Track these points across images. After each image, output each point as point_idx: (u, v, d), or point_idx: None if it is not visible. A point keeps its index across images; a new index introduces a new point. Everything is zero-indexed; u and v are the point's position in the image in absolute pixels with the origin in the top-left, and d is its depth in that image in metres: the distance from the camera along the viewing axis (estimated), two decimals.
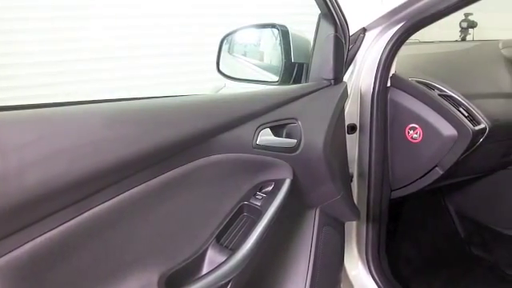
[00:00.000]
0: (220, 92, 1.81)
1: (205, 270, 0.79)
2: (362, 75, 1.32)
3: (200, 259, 0.80)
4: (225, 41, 1.34)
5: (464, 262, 1.99)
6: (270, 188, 0.90)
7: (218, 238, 0.82)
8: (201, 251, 0.80)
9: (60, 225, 0.57)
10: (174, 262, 0.75)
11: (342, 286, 1.39)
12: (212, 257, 0.80)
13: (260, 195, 0.89)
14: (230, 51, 1.37)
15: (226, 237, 0.84)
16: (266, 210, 0.85)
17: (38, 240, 0.55)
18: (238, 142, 0.82)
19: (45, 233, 0.56)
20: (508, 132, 1.46)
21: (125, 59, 3.62)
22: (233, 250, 0.79)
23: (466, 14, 2.75)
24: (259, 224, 0.83)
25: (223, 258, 0.78)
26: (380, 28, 1.26)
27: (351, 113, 1.33)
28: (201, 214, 0.81)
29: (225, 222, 0.84)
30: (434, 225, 2.12)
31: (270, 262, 0.99)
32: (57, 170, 0.55)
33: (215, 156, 0.80)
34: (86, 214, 0.60)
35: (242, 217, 0.88)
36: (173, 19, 3.71)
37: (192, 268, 0.78)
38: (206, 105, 0.80)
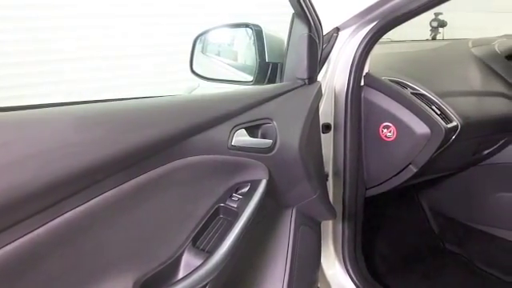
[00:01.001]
0: (194, 92, 1.79)
1: (181, 274, 0.78)
2: (335, 74, 1.32)
3: (176, 263, 0.78)
4: (198, 40, 1.32)
5: (438, 257, 2.02)
6: (246, 189, 0.89)
7: (194, 241, 0.81)
8: (177, 255, 0.78)
9: (29, 232, 0.55)
10: (150, 267, 0.74)
11: (319, 285, 1.40)
12: (188, 260, 0.79)
13: (236, 197, 0.88)
14: (203, 51, 1.35)
15: (202, 239, 0.83)
16: (243, 211, 0.84)
17: (7, 249, 0.53)
18: (212, 144, 0.81)
19: (13, 241, 0.54)
20: (479, 129, 1.49)
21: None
22: (209, 253, 0.78)
23: (436, 14, 2.79)
24: (235, 226, 0.82)
25: (200, 262, 0.77)
26: (353, 27, 1.26)
27: (326, 112, 1.33)
28: (176, 217, 0.80)
29: (201, 225, 0.83)
30: (409, 222, 2.15)
31: (247, 264, 0.98)
32: (25, 175, 0.53)
33: (190, 158, 0.78)
34: (56, 221, 0.58)
35: (218, 219, 0.87)
36: (141, 19, 3.65)
37: (168, 272, 0.77)
38: (180, 106, 0.79)
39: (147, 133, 0.68)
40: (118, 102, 0.70)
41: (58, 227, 0.58)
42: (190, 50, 1.31)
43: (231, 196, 0.88)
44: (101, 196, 0.63)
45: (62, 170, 0.56)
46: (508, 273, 1.81)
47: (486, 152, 1.69)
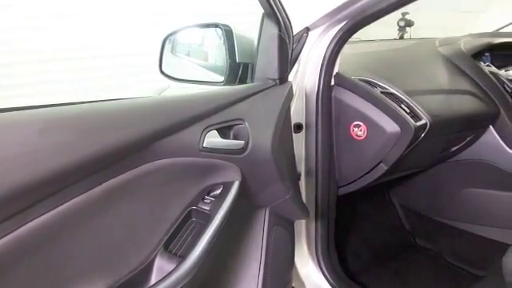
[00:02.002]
0: (163, 94, 1.77)
1: (153, 280, 0.76)
2: (306, 74, 1.32)
3: (148, 269, 0.77)
4: (167, 41, 1.30)
5: (409, 253, 2.05)
6: (218, 191, 0.88)
7: (166, 246, 0.80)
8: (148, 260, 0.77)
9: None
10: (121, 274, 0.72)
11: (293, 284, 1.40)
12: (160, 265, 0.78)
13: (208, 199, 0.87)
14: (172, 51, 1.33)
15: (175, 244, 0.82)
16: (215, 213, 0.83)
17: None
18: (183, 146, 0.79)
19: None
20: (447, 127, 1.51)
21: (61, 61, 3.47)
22: (182, 257, 0.77)
23: (403, 13, 2.84)
24: (208, 229, 0.81)
25: (172, 266, 0.76)
26: (323, 27, 1.27)
27: (297, 112, 1.33)
28: (147, 221, 0.79)
29: (173, 229, 0.82)
30: (380, 219, 2.18)
31: (221, 266, 0.97)
32: None
33: (160, 161, 0.77)
34: (21, 229, 0.56)
35: (190, 222, 0.86)
36: (108, 19, 3.57)
37: (140, 278, 0.75)
38: (149, 107, 0.77)
39: (116, 136, 0.67)
40: (84, 104, 0.68)
41: (24, 236, 0.56)
42: (159, 50, 1.29)
43: (203, 198, 0.87)
44: (67, 203, 0.61)
45: (26, 176, 0.54)
46: (476, 266, 1.85)
47: (453, 149, 1.72)
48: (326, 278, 1.53)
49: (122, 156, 0.69)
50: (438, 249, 2.03)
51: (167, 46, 1.30)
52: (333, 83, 1.36)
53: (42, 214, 0.58)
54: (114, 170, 0.69)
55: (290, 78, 1.26)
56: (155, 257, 0.78)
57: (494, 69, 1.78)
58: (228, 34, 1.16)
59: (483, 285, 1.68)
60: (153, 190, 0.78)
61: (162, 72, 1.27)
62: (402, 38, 2.74)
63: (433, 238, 2.07)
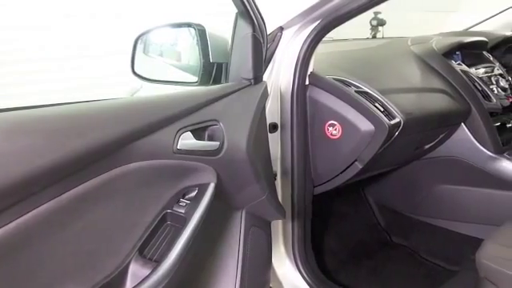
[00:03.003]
0: (136, 95, 1.74)
1: (129, 286, 0.75)
2: (281, 74, 1.32)
3: (122, 274, 0.75)
4: (139, 41, 1.27)
5: (385, 250, 2.07)
6: (193, 194, 0.87)
7: (141, 251, 0.78)
8: (123, 266, 0.75)
9: None
10: (95, 280, 0.70)
11: (271, 285, 1.39)
12: (135, 271, 0.76)
13: (184, 202, 0.85)
14: (145, 51, 1.31)
15: (150, 248, 0.80)
16: (191, 216, 0.82)
17: None
18: (157, 148, 0.78)
19: None
20: (420, 125, 1.53)
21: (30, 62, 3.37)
22: (157, 262, 0.76)
23: (376, 13, 2.87)
24: (184, 232, 0.80)
25: (148, 271, 0.74)
26: (297, 26, 1.27)
27: (272, 112, 1.33)
28: (121, 226, 0.77)
29: (147, 233, 0.80)
30: (356, 217, 2.20)
31: (197, 270, 0.96)
32: None
33: (133, 164, 0.75)
34: None
35: (165, 226, 0.84)
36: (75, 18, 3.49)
37: (114, 284, 0.74)
38: (121, 109, 0.76)
39: (86, 139, 0.65)
40: (52, 107, 0.66)
41: None
42: (131, 50, 1.26)
43: (178, 201, 0.85)
44: (36, 210, 0.59)
45: None
46: (451, 262, 1.88)
47: (427, 146, 1.75)
48: (303, 278, 1.53)
49: (93, 160, 0.67)
50: (412, 245, 2.06)
51: (139, 46, 1.28)
52: (307, 83, 1.36)
53: (9, 223, 0.56)
54: (85, 174, 0.67)
55: (265, 77, 1.25)
56: (130, 262, 0.76)
57: (464, 67, 1.81)
58: (201, 33, 1.15)
59: (457, 280, 1.71)
60: (126, 194, 0.77)
61: (134, 72, 1.25)
62: (374, 37, 2.76)
63: (408, 235, 2.10)
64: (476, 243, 1.28)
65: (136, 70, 1.24)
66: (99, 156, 0.68)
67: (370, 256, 2.02)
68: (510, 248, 1.20)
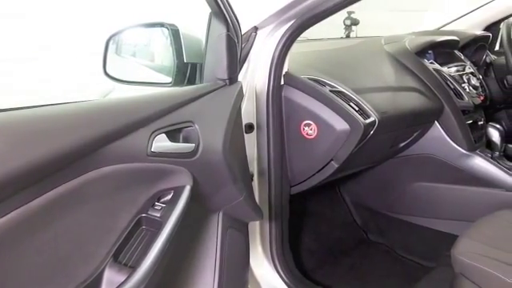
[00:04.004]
0: (108, 96, 1.71)
1: None
2: (256, 74, 1.31)
3: (97, 281, 0.73)
4: (111, 41, 1.25)
5: (362, 248, 2.09)
6: (169, 197, 0.85)
7: (116, 256, 0.77)
8: (97, 272, 0.74)
9: None
10: None
11: (249, 286, 1.38)
12: (110, 277, 0.74)
13: (159, 205, 0.84)
14: (117, 52, 1.28)
15: (125, 254, 0.78)
16: (167, 220, 0.80)
17: None
18: (130, 151, 0.76)
19: None
20: (395, 123, 1.55)
21: None
22: (133, 268, 0.74)
23: (349, 12, 2.89)
24: (160, 236, 0.78)
25: (123, 278, 0.73)
26: (271, 26, 1.26)
27: (248, 112, 1.32)
28: (95, 231, 0.75)
29: (122, 238, 0.78)
30: (333, 216, 2.21)
31: (174, 274, 0.95)
32: None
33: (106, 168, 0.73)
34: None
35: (140, 230, 0.82)
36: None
37: None
38: (92, 112, 0.73)
39: (56, 143, 0.63)
40: (19, 110, 0.64)
41: None
42: (103, 51, 1.23)
43: (154, 205, 0.84)
44: (4, 217, 0.57)
45: None
46: (427, 258, 1.91)
47: (401, 144, 1.76)
48: (282, 278, 1.52)
49: (65, 165, 0.65)
50: (389, 243, 2.08)
51: (111, 47, 1.25)
52: (282, 83, 1.36)
53: None
54: (55, 179, 0.65)
55: (240, 77, 1.24)
56: (104, 268, 0.75)
57: (437, 66, 1.84)
58: (175, 33, 1.14)
59: (433, 276, 1.73)
60: (99, 199, 0.75)
61: (106, 74, 1.22)
62: (348, 36, 2.78)
63: (384, 233, 2.12)
64: (451, 239, 1.30)
65: (108, 71, 1.21)
66: (69, 160, 0.65)
67: (347, 254, 2.03)
68: (484, 244, 1.22)
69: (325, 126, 1.35)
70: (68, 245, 0.70)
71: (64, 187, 0.66)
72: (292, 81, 1.37)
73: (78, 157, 0.67)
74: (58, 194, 0.65)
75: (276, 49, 1.29)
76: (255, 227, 1.49)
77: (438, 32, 2.24)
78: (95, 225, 0.75)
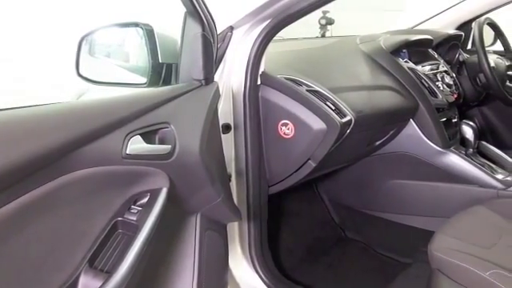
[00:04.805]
0: (82, 98, 1.67)
1: None
2: (232, 74, 1.31)
3: None
4: (84, 41, 1.22)
5: (340, 246, 2.10)
6: (145, 200, 0.84)
7: (91, 262, 0.75)
8: (72, 279, 0.72)
9: None
10: None
11: (228, 287, 1.38)
12: (86, 283, 0.73)
13: (135, 209, 0.82)
14: (90, 52, 1.26)
15: (101, 259, 0.77)
16: (143, 223, 0.79)
17: None
18: (104, 154, 0.74)
19: None
20: (371, 122, 1.56)
21: None
22: (109, 273, 0.73)
23: (324, 12, 2.90)
24: (136, 240, 0.77)
25: (99, 283, 0.71)
26: (247, 26, 1.26)
27: (225, 112, 1.31)
28: (69, 237, 0.73)
29: (97, 243, 0.76)
30: (311, 214, 2.21)
31: (152, 278, 0.93)
32: None
33: (80, 171, 0.71)
34: None
35: (116, 234, 0.81)
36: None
37: None
38: (65, 114, 0.72)
39: (27, 147, 0.61)
40: None
41: None
42: (76, 51, 1.21)
43: (130, 208, 0.82)
44: None
45: None
46: (404, 255, 1.93)
47: (377, 143, 1.78)
48: (261, 278, 1.52)
49: (36, 169, 0.63)
50: (366, 240, 2.10)
51: (84, 47, 1.23)
52: (259, 82, 1.36)
53: None
54: (27, 184, 0.63)
55: (216, 78, 1.23)
56: (79, 275, 0.73)
57: (411, 64, 1.86)
58: (149, 33, 1.12)
59: (410, 272, 1.75)
60: (73, 204, 0.73)
61: (80, 75, 1.20)
62: (323, 36, 2.80)
63: (362, 230, 2.14)
64: (427, 235, 1.31)
65: (81, 71, 1.19)
66: (41, 164, 0.64)
67: (325, 252, 2.04)
68: (459, 239, 1.24)
69: (302, 125, 1.35)
70: (41, 251, 0.68)
71: (36, 192, 0.64)
72: (269, 80, 1.37)
73: (51, 160, 0.66)
74: (30, 200, 0.64)
75: (252, 48, 1.28)
76: (234, 228, 1.49)
77: (412, 31, 2.27)
78: (69, 230, 0.73)
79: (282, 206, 2.09)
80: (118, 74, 1.28)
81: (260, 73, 1.35)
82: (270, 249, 1.59)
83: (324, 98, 1.38)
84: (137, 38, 1.19)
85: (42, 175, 0.65)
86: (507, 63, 2.16)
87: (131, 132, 0.79)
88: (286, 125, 1.37)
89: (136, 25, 1.15)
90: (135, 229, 0.79)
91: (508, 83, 2.13)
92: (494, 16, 2.17)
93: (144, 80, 1.12)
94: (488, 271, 1.10)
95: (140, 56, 1.18)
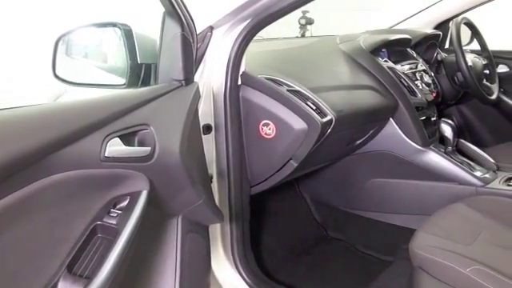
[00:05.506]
0: (59, 100, 1.64)
1: None
2: (212, 74, 1.30)
3: None
4: (60, 41, 1.20)
5: (322, 245, 2.11)
6: (125, 203, 0.83)
7: (70, 267, 0.73)
8: (51, 285, 0.70)
9: None
10: None
11: None
12: None
13: (115, 212, 0.81)
14: (67, 53, 1.24)
15: (80, 264, 0.75)
16: (123, 227, 0.78)
17: None
18: (82, 157, 0.73)
19: None
20: (351, 121, 1.57)
21: None
22: (89, 278, 0.71)
23: (304, 12, 2.91)
24: (116, 244, 0.75)
25: None
26: (227, 26, 1.25)
27: (205, 113, 1.30)
28: (47, 243, 0.71)
29: (76, 248, 0.75)
30: (293, 214, 2.22)
31: (133, 282, 0.92)
32: None
33: (57, 175, 0.70)
34: None
35: (96, 239, 0.79)
36: None
37: None
38: (41, 116, 0.70)
39: (1, 151, 0.59)
40: None
41: None
42: (52, 52, 1.19)
43: (109, 212, 0.81)
44: None
45: None
46: (386, 252, 1.94)
47: (358, 142, 1.79)
48: (244, 279, 1.52)
49: (11, 173, 0.61)
50: (348, 239, 2.11)
51: (61, 48, 1.20)
52: (240, 83, 1.35)
53: None
54: (2, 189, 0.61)
55: (196, 78, 1.22)
56: (58, 281, 0.71)
57: (391, 64, 1.87)
58: (127, 33, 1.10)
59: (392, 269, 1.77)
60: (50, 208, 0.71)
61: (56, 76, 1.17)
62: (303, 35, 2.81)
63: (343, 229, 2.15)
64: (409, 233, 1.32)
65: (58, 73, 1.17)
66: (17, 169, 0.62)
67: (308, 252, 2.04)
68: (439, 237, 1.25)
69: (283, 125, 1.35)
70: (18, 258, 0.66)
71: (12, 197, 0.63)
72: (249, 81, 1.36)
73: (27, 164, 0.64)
74: (6, 205, 0.62)
75: (232, 48, 1.28)
76: (216, 230, 1.48)
77: (390, 31, 2.29)
78: (47, 235, 0.72)
79: (264, 207, 2.08)
80: (95, 75, 1.26)
81: (240, 73, 1.34)
82: (253, 249, 1.58)
83: (305, 98, 1.38)
84: (115, 38, 1.17)
85: (18, 180, 0.63)
86: (484, 62, 2.19)
87: (110, 134, 0.78)
88: (267, 125, 1.37)
89: (114, 25, 1.14)
90: (115, 233, 0.77)
91: (485, 82, 2.16)
92: (470, 15, 2.20)
93: (122, 81, 1.10)
94: (468, 268, 1.11)
95: (118, 56, 1.16)
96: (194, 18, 1.00)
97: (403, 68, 1.93)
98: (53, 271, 0.71)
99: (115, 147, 0.78)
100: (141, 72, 1.10)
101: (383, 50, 1.92)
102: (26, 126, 0.66)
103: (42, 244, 0.70)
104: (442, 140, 1.86)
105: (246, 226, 1.52)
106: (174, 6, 0.93)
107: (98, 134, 0.76)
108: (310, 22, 2.81)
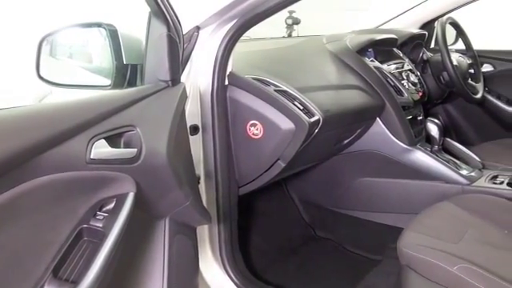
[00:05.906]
0: (44, 101, 1.62)
1: None
2: (199, 74, 1.30)
3: None
4: (44, 42, 1.18)
5: (311, 244, 2.11)
6: (111, 205, 0.82)
7: (56, 272, 0.72)
8: None
9: None
10: None
11: None
12: None
13: (101, 215, 0.80)
14: (52, 54, 1.22)
15: (66, 268, 0.74)
16: (110, 230, 0.77)
17: None
18: (67, 159, 0.72)
19: None
20: (338, 121, 1.57)
21: None
22: (75, 283, 0.70)
23: (290, 12, 2.91)
24: (103, 247, 0.74)
25: None
26: (213, 26, 1.25)
27: (192, 113, 1.30)
28: (31, 247, 0.70)
29: (62, 252, 0.74)
30: (281, 214, 2.22)
31: (120, 285, 0.91)
32: None
33: (42, 178, 0.68)
34: None
35: (82, 242, 0.78)
36: None
37: None
38: (25, 118, 0.69)
39: None
40: None
41: None
42: (36, 52, 1.17)
43: (95, 215, 0.80)
44: None
45: None
46: (374, 251, 1.95)
47: (345, 141, 1.80)
48: (232, 280, 1.51)
49: None
50: (337, 238, 2.11)
51: (45, 48, 1.19)
52: (227, 83, 1.35)
53: None
54: None
55: (183, 78, 1.21)
56: (43, 286, 0.70)
57: (377, 63, 1.88)
58: (113, 33, 1.09)
59: (380, 268, 1.77)
60: (35, 211, 0.70)
61: (40, 77, 1.15)
62: (290, 35, 2.81)
63: (331, 228, 2.15)
64: (397, 232, 1.33)
65: (42, 74, 1.15)
66: (1, 172, 0.61)
67: (296, 252, 2.04)
68: (427, 235, 1.26)
69: (270, 125, 1.35)
70: (1, 263, 0.65)
71: None
72: (236, 81, 1.36)
73: (10, 167, 0.63)
74: None
75: (219, 48, 1.27)
76: (204, 231, 1.47)
77: (377, 30, 2.30)
78: (32, 239, 0.70)
79: (251, 207, 2.08)
80: (80, 76, 1.25)
81: (227, 73, 1.34)
82: (241, 250, 1.58)
83: (292, 98, 1.38)
84: (100, 38, 1.15)
85: (2, 183, 0.62)
86: (468, 61, 2.22)
87: (95, 136, 0.76)
88: (254, 125, 1.36)
89: (99, 25, 1.12)
90: (101, 236, 0.76)
91: (470, 81, 2.18)
92: (455, 15, 2.22)
93: (108, 82, 1.09)
94: (455, 266, 1.12)
95: (104, 57, 1.15)
96: (180, 18, 1.00)
97: (389, 68, 1.94)
98: (38, 276, 0.70)
99: (101, 149, 0.77)
100: (127, 72, 1.09)
101: (369, 49, 1.92)
102: (10, 128, 0.65)
103: (26, 248, 0.69)
104: (429, 139, 1.88)
105: (234, 227, 1.52)
106: (159, 6, 0.92)
107: (84, 135, 0.75)
108: (296, 21, 2.82)
